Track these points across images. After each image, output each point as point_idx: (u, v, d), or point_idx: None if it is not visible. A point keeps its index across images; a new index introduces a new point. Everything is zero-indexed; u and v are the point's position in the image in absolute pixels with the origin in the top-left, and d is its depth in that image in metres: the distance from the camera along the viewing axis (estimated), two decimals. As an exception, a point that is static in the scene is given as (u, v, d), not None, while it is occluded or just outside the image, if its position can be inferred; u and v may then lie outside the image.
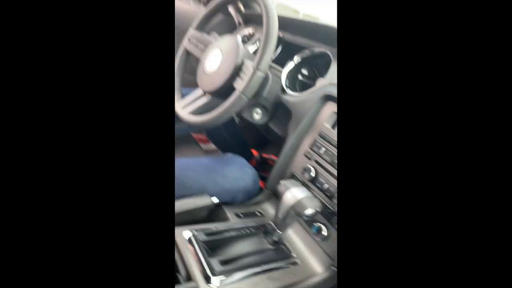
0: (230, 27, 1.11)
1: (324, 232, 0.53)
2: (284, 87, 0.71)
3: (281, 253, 0.52)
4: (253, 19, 1.02)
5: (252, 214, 0.62)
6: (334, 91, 0.60)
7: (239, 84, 0.56)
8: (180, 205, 0.54)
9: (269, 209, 0.65)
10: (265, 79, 0.63)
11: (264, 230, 0.55)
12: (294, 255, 0.52)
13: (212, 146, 1.15)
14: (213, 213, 0.61)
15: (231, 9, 1.08)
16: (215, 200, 0.58)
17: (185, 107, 0.66)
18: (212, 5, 0.69)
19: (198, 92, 0.68)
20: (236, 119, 1.08)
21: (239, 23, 1.10)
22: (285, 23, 0.81)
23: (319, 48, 0.72)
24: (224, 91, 0.59)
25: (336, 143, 0.57)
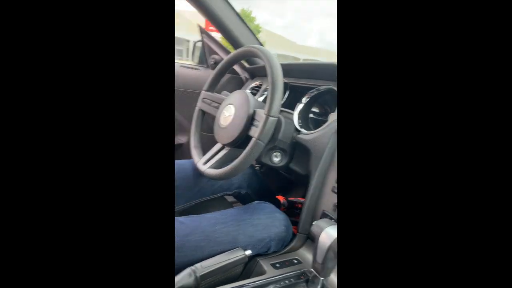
0: (238, 83, 1.19)
1: (371, 271, 0.48)
2: (298, 127, 0.73)
3: (328, 302, 0.47)
4: (258, 72, 1.09)
5: (289, 263, 0.58)
6: (348, 122, 0.60)
7: (254, 132, 0.58)
8: (213, 262, 0.52)
9: (306, 254, 0.61)
10: (278, 123, 0.65)
11: (305, 278, 0.51)
12: None
13: (237, 197, 1.14)
14: (248, 267, 0.58)
15: (236, 68, 1.18)
16: (248, 252, 0.56)
17: (206, 162, 0.69)
18: (218, 67, 0.76)
19: (217, 146, 0.70)
20: (257, 167, 1.09)
21: (246, 78, 1.19)
22: (288, 70, 0.86)
23: (324, 85, 0.75)
24: (241, 141, 0.62)
25: None
